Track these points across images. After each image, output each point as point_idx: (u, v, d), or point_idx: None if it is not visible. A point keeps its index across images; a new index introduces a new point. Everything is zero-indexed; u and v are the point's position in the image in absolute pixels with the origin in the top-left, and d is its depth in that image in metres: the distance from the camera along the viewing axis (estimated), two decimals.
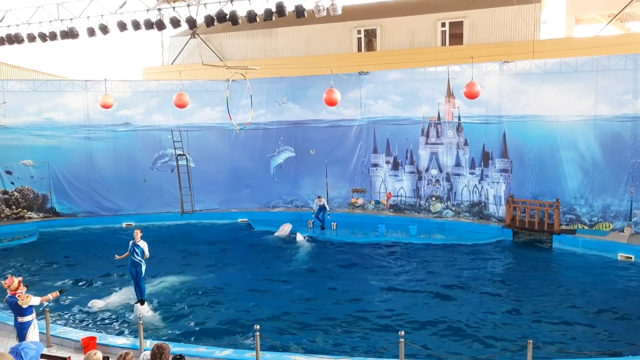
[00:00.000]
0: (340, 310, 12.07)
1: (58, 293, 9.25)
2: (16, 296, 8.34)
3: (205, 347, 9.83)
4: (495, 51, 20.47)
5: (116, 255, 12.40)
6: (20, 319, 8.42)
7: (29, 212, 21.18)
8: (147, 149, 21.93)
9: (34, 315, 8.56)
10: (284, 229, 19.36)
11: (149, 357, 6.04)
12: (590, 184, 17.50)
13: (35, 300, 8.49)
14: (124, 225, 20.97)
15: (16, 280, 8.49)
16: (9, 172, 20.85)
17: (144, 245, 11.87)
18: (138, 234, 11.95)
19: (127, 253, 11.95)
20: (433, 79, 19.91)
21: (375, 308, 12.17)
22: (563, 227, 17.54)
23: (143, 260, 11.84)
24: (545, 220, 17.47)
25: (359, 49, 24.77)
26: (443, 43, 23.40)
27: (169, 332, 10.91)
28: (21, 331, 8.46)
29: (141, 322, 9.32)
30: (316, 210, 19.98)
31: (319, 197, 20.23)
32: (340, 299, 12.79)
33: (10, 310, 8.87)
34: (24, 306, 8.31)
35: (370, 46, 24.88)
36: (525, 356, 8.32)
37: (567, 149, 17.67)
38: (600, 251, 16.00)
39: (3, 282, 8.58)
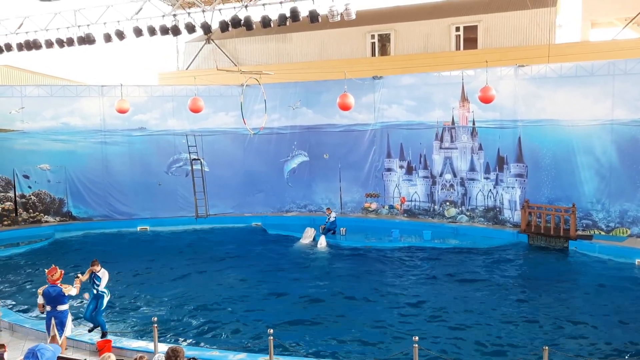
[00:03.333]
0: (354, 315, 12.04)
1: (80, 276, 9.80)
2: (59, 286, 9.06)
3: (219, 350, 9.86)
4: (510, 55, 20.35)
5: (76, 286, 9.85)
6: (59, 307, 9.09)
7: (46, 216, 21.42)
8: (162, 153, 22.11)
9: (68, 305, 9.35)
10: (309, 234, 19.27)
11: (162, 359, 6.07)
12: (607, 189, 17.29)
13: (74, 290, 9.27)
14: (138, 229, 21.13)
15: (59, 271, 9.24)
16: (26, 177, 21.12)
17: (103, 275, 10.25)
18: (96, 263, 10.39)
19: (86, 277, 10.25)
20: (447, 83, 19.84)
21: (390, 313, 12.12)
22: (579, 232, 17.35)
23: (106, 291, 10.35)
24: (561, 225, 17.28)
25: (373, 54, 24.78)
26: (457, 47, 23.33)
27: (183, 335, 10.95)
28: (62, 320, 9.14)
29: (155, 325, 9.38)
30: (327, 224, 19.53)
31: (328, 208, 20.06)
32: (355, 304, 12.75)
33: (48, 301, 9.19)
34: (66, 294, 9.09)
35: (384, 51, 24.87)
36: None
37: (583, 153, 17.49)
38: (617, 257, 15.77)
39: (46, 270, 9.26)
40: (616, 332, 10.89)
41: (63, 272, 9.42)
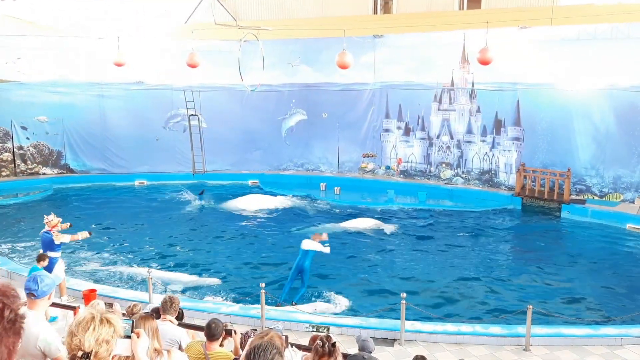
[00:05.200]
0: (343, 272, 12.29)
1: (87, 234, 10.03)
2: (52, 232, 9.39)
3: (213, 302, 10.13)
4: (513, 16, 19.96)
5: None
6: (50, 253, 9.36)
7: (44, 168, 21.47)
8: (159, 108, 21.96)
9: (60, 253, 9.64)
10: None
11: (153, 308, 6.26)
12: (602, 155, 17.32)
13: (65, 238, 9.52)
14: (136, 183, 21.24)
15: (57, 219, 9.56)
16: (24, 128, 21.08)
17: (60, 238, 9.55)
18: (52, 219, 9.62)
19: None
20: (448, 44, 19.61)
21: (378, 271, 12.36)
22: (573, 197, 17.49)
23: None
24: (556, 189, 17.41)
25: (375, 12, 24.34)
26: (461, 7, 22.90)
27: (177, 288, 11.21)
28: (49, 265, 9.31)
29: (150, 277, 9.60)
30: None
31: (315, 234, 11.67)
32: (345, 262, 12.99)
33: (42, 245, 9.75)
34: (57, 242, 9.38)
35: (387, 9, 24.42)
36: (525, 321, 8.49)
37: (581, 118, 17.43)
38: (609, 221, 15.97)
39: (46, 216, 9.61)
40: (598, 294, 11.16)
41: (60, 220, 9.68)
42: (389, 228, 15.59)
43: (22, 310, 1.84)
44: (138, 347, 2.73)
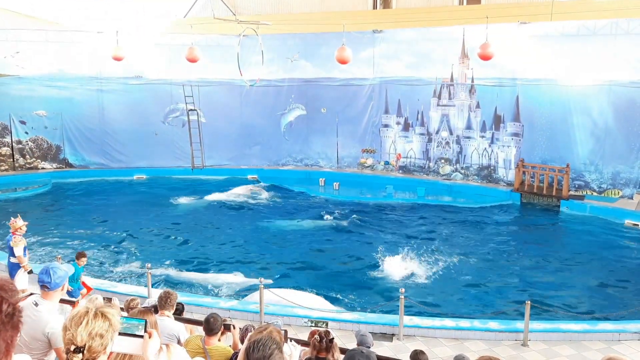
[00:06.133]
0: (342, 267, 12.30)
1: (27, 270, 8.98)
2: (13, 237, 8.89)
3: (211, 297, 10.14)
4: (513, 11, 19.94)
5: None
6: (12, 260, 8.96)
7: (43, 163, 21.40)
8: (158, 103, 21.90)
9: (26, 258, 9.05)
10: None
11: (152, 303, 6.25)
12: (601, 151, 17.31)
13: (18, 250, 8.85)
14: (135, 177, 21.20)
15: (22, 222, 8.98)
16: (23, 122, 21.01)
17: (17, 243, 8.93)
18: (16, 222, 9.06)
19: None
20: (448, 39, 19.55)
21: (376, 265, 12.36)
22: (572, 192, 17.48)
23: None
24: (555, 185, 17.41)
25: (375, 7, 24.26)
26: (461, 2, 22.83)
27: (177, 283, 11.22)
28: (11, 270, 8.98)
29: (149, 271, 9.60)
30: None
31: None
32: (344, 257, 13.00)
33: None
34: (14, 247, 8.83)
35: (386, 4, 24.34)
36: (523, 316, 8.50)
37: (580, 114, 17.41)
38: (607, 217, 15.97)
39: (12, 218, 9.11)
40: (596, 289, 11.19)
41: (26, 223, 9.13)
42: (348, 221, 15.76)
43: (32, 299, 1.82)
44: (149, 347, 2.70)
